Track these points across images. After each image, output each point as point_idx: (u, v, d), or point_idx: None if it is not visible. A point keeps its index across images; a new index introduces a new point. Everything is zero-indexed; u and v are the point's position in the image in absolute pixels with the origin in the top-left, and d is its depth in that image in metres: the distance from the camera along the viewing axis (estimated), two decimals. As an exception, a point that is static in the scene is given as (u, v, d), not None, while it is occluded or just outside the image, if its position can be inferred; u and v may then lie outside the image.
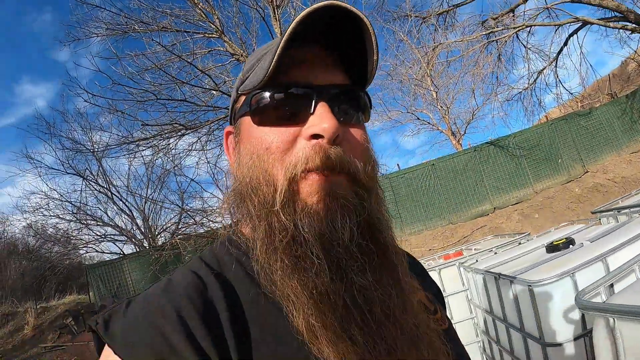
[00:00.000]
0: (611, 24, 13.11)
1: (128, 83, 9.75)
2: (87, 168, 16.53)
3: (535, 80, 15.55)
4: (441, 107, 18.35)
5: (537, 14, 14.97)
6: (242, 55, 12.52)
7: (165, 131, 11.36)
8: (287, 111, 0.61)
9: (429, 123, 19.55)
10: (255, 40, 14.66)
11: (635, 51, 13.76)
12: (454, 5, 16.37)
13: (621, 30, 13.39)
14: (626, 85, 20.83)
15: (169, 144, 11.92)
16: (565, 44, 15.07)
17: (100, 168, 16.59)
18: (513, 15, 15.41)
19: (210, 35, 12.29)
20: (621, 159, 12.82)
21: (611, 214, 5.12)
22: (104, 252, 16.17)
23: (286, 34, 0.56)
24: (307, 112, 0.60)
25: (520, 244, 5.17)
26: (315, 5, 0.55)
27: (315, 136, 0.59)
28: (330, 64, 0.65)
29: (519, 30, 14.91)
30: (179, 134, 11.62)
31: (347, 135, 0.62)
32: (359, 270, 0.56)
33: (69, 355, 10.41)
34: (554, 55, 15.32)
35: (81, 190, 16.16)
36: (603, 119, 13.58)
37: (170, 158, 12.53)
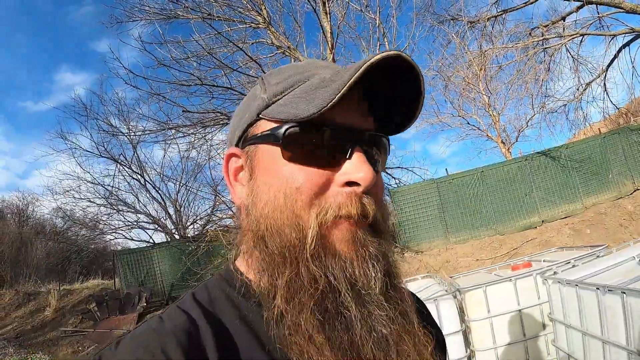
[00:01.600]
0: (671, 36, 12.57)
1: (173, 66, 9.55)
2: (121, 153, 16.63)
3: (582, 93, 15.08)
4: (492, 113, 17.84)
5: (590, 24, 14.49)
6: (288, 48, 12.34)
7: (207, 120, 11.18)
8: (324, 152, 0.57)
9: (478, 129, 19.03)
10: (303, 33, 14.51)
11: None
12: (503, 10, 16.02)
13: None
14: None
15: (208, 134, 11.75)
16: (616, 56, 14.56)
17: (135, 154, 16.63)
18: (564, 24, 14.99)
19: (256, 26, 12.13)
20: None
21: None
22: (132, 239, 16.12)
23: (354, 77, 0.52)
24: (343, 157, 0.58)
25: (598, 257, 4.89)
26: (386, 54, 0.53)
27: (351, 184, 0.57)
28: (365, 108, 0.62)
29: (571, 39, 14.45)
30: (221, 123, 11.42)
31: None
32: (385, 321, 0.56)
33: (89, 342, 10.21)
34: (603, 67, 14.84)
35: (114, 175, 16.17)
36: (658, 133, 12.94)
37: (207, 149, 12.37)
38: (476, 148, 30.24)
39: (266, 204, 0.58)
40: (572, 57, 15.11)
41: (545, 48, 14.81)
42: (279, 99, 0.60)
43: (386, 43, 12.56)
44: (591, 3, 13.63)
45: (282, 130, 0.57)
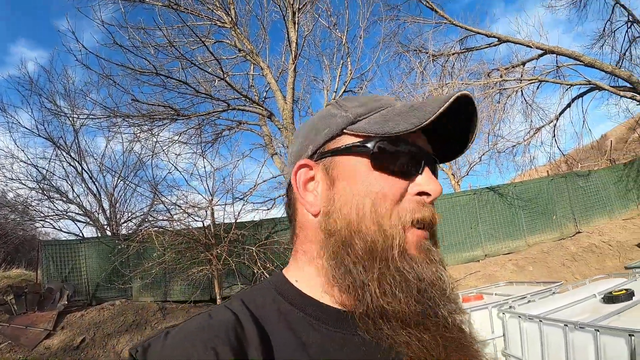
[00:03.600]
0: (621, 92, 13.28)
1: (130, 49, 8.87)
2: (61, 137, 15.37)
3: (532, 137, 15.66)
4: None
5: (549, 72, 15.15)
6: (251, 52, 12.01)
7: (156, 113, 10.52)
8: (404, 165, 0.65)
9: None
10: (268, 41, 14.20)
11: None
12: (466, 49, 16.52)
13: (626, 100, 13.63)
14: (602, 156, 21.42)
15: (155, 127, 11.06)
16: (569, 105, 15.26)
17: (76, 140, 15.36)
18: (523, 69, 15.61)
19: (222, 25, 11.76)
20: (614, 223, 12.84)
21: None
22: (61, 230, 14.69)
23: (446, 104, 0.59)
24: (416, 172, 0.66)
25: (554, 293, 5.01)
26: (463, 92, 0.61)
27: (422, 194, 0.65)
28: (426, 134, 0.70)
29: (529, 84, 15.05)
30: (170, 118, 10.80)
31: None
32: (459, 323, 0.64)
33: (2, 338, 9.13)
34: (556, 114, 15.52)
35: (50, 159, 14.88)
36: (600, 182, 13.67)
37: (152, 144, 11.63)
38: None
39: (352, 208, 0.63)
40: (527, 102, 15.69)
41: (503, 89, 15.33)
42: (363, 119, 0.67)
43: (349, 62, 12.54)
44: (552, 52, 14.27)
45: (373, 142, 0.65)
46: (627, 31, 14.57)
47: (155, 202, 12.61)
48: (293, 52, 11.35)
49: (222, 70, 10.67)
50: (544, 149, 17.29)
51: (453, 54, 16.44)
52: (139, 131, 10.94)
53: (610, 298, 3.88)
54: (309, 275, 0.67)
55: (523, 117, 16.71)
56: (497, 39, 15.90)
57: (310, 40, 13.82)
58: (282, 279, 0.69)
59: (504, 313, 4.37)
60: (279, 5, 11.35)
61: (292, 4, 11.11)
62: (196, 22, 10.11)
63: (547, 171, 16.03)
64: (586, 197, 13.40)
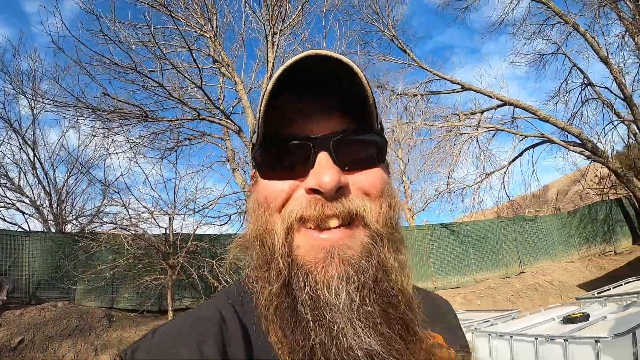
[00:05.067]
0: (571, 147, 14.39)
1: (112, 37, 8.71)
2: (18, 120, 14.56)
3: (482, 181, 16.48)
4: (405, 180, 18.70)
5: (505, 122, 16.11)
6: (227, 65, 12.08)
7: (125, 111, 10.28)
8: (287, 165, 0.60)
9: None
10: (245, 57, 14.28)
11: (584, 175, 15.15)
12: (430, 92, 17.37)
13: (574, 154, 14.82)
14: (544, 204, 23.01)
15: (123, 126, 10.78)
16: (521, 154, 16.25)
17: (33, 125, 14.56)
18: (481, 116, 16.52)
19: (202, 33, 11.80)
20: (556, 265, 13.73)
21: (599, 300, 5.41)
22: (4, 219, 13.60)
23: (267, 91, 0.56)
24: (307, 164, 0.59)
25: (513, 318, 5.38)
26: (296, 57, 0.55)
27: (314, 190, 0.58)
28: (331, 112, 0.62)
29: (486, 131, 15.93)
30: (140, 119, 10.58)
31: (358, 181, 0.60)
32: (361, 334, 0.54)
33: None
34: (507, 161, 16.46)
35: (2, 141, 14.01)
36: (545, 227, 14.66)
37: (108, 143, 11.25)
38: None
39: (251, 216, 0.65)
40: (481, 148, 16.50)
41: (461, 134, 16.10)
42: (257, 125, 0.64)
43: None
44: (511, 104, 15.29)
45: (253, 154, 0.65)
46: (581, 92, 16.01)
47: (112, 203, 12.11)
48: (269, 72, 11.44)
49: (201, 79, 10.68)
50: (492, 193, 18.25)
51: (417, 94, 17.20)
52: (104, 127, 10.62)
53: (569, 319, 4.20)
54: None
55: (476, 161, 17.44)
56: (460, 86, 16.83)
57: (281, 61, 13.96)
58: (247, 275, 0.68)
59: (472, 332, 4.59)
60: (263, 24, 11.50)
61: (274, 25, 11.33)
62: (178, 27, 10.09)
63: (497, 213, 16.88)
64: (532, 240, 14.27)
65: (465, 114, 16.73)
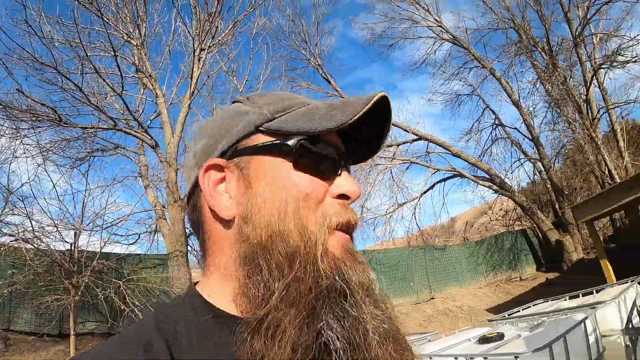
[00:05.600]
0: (480, 182, 15.59)
1: (35, 28, 8.08)
2: None
3: (393, 211, 17.24)
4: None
5: (419, 155, 17.06)
6: (150, 76, 11.67)
7: (37, 112, 9.49)
8: (325, 166, 0.63)
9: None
10: (169, 69, 13.74)
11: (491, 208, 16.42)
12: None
13: (483, 188, 16.12)
14: (452, 235, 24.70)
15: (34, 128, 9.91)
16: (432, 187, 17.28)
17: None
18: (396, 149, 17.36)
19: (128, 40, 11.36)
20: (465, 291, 14.53)
21: (511, 320, 5.74)
22: None
23: (370, 104, 0.58)
24: (335, 173, 0.63)
25: (429, 340, 5.52)
26: (384, 94, 0.61)
27: (342, 196, 0.62)
28: (354, 138, 0.70)
29: (401, 163, 16.75)
30: (53, 122, 9.80)
31: None
32: (386, 319, 0.59)
33: None
34: (419, 193, 17.40)
35: None
36: (454, 256, 15.57)
37: (16, 145, 10.27)
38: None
39: (272, 210, 0.59)
40: (394, 179, 17.26)
41: (375, 164, 16.75)
42: (280, 116, 0.64)
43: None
44: (426, 139, 16.27)
45: (294, 141, 0.61)
46: (492, 131, 17.58)
47: (13, 213, 10.91)
48: (191, 88, 11.21)
49: (122, 87, 10.22)
50: (403, 222, 19.17)
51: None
52: (12, 127, 9.72)
53: (485, 339, 4.41)
54: (222, 288, 0.61)
55: (390, 192, 18.13)
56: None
57: (206, 78, 13.62)
58: (195, 293, 0.63)
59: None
60: (192, 38, 11.29)
61: (203, 41, 11.18)
62: (107, 30, 9.62)
63: (408, 242, 17.62)
64: (441, 268, 15.06)
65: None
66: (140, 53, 11.64)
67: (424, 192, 17.33)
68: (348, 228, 0.61)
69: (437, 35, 17.26)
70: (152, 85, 11.60)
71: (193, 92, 11.20)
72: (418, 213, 16.82)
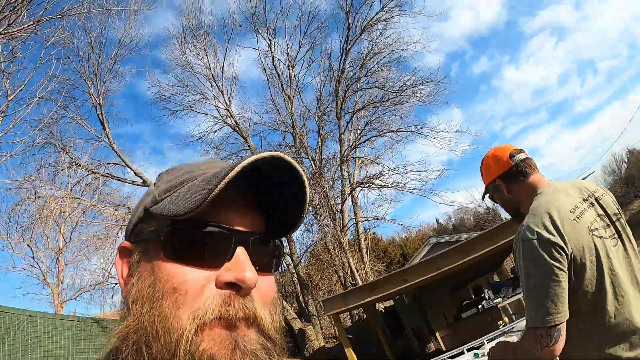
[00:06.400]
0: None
1: None
2: None
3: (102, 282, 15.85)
4: (61, 260, 15.57)
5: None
6: None
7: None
8: (204, 252, 0.56)
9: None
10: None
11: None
12: (111, 175, 16.41)
13: None
14: None
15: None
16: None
17: None
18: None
19: None
20: None
21: None
22: None
23: (226, 179, 0.51)
24: (224, 257, 0.56)
25: None
26: (262, 155, 0.54)
27: (231, 285, 0.54)
28: (251, 208, 0.61)
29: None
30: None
31: (259, 285, 0.57)
32: None
33: None
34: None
35: None
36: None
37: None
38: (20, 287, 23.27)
39: (145, 303, 0.55)
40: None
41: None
42: (166, 197, 0.60)
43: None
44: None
45: (163, 227, 0.57)
46: None
47: None
48: None
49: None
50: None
51: (97, 172, 15.91)
52: None
53: None
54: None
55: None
56: (142, 180, 16.63)
57: None
58: None
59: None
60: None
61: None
62: None
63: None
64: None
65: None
66: None
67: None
68: (237, 321, 0.53)
69: (222, 117, 17.97)
70: None
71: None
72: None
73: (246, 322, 0.55)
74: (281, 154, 0.54)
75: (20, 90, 10.42)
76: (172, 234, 0.56)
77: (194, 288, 0.54)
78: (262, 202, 0.63)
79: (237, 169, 0.51)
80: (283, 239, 0.66)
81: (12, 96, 10.22)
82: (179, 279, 0.54)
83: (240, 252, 0.56)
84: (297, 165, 0.56)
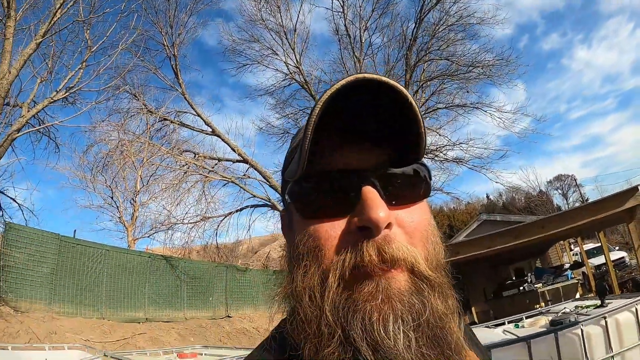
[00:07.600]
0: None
1: None
2: None
3: (196, 223, 17.08)
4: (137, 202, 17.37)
5: (239, 177, 17.39)
6: None
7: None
8: (331, 202, 0.55)
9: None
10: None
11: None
12: (182, 123, 17.35)
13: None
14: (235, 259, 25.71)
15: None
16: (242, 209, 17.66)
17: None
18: (218, 163, 17.35)
19: None
20: (259, 314, 15.18)
21: None
22: None
23: (312, 124, 0.51)
24: (353, 201, 0.53)
25: None
26: (342, 82, 0.50)
27: (364, 228, 0.52)
28: (373, 141, 0.57)
29: (220, 179, 16.78)
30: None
31: (402, 220, 0.55)
32: None
33: None
34: (230, 211, 17.52)
35: None
36: (254, 279, 16.19)
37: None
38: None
39: (295, 266, 0.57)
40: (205, 193, 17.10)
41: (199, 173, 16.44)
42: (290, 161, 0.61)
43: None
44: (250, 165, 16.71)
45: (290, 190, 0.59)
46: None
47: None
48: (49, 24, 9.81)
49: None
50: (201, 235, 18.78)
51: (168, 119, 16.88)
52: None
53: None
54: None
55: (197, 203, 17.87)
56: (211, 129, 17.43)
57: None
58: (280, 325, 0.65)
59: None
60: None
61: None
62: None
63: (215, 258, 17.57)
64: (240, 288, 15.52)
65: (205, 157, 17.17)
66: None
67: (233, 212, 17.52)
68: (378, 265, 0.51)
69: (291, 73, 17.99)
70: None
71: (48, 30, 9.58)
72: (220, 230, 16.93)
73: (389, 266, 0.51)
74: (366, 74, 0.50)
75: (103, 42, 11.31)
76: (297, 194, 0.57)
77: (327, 242, 0.53)
78: (376, 135, 0.56)
79: (320, 107, 0.51)
80: (421, 161, 0.59)
81: (95, 47, 11.08)
82: (313, 236, 0.55)
83: (367, 191, 0.53)
84: (382, 78, 0.51)
